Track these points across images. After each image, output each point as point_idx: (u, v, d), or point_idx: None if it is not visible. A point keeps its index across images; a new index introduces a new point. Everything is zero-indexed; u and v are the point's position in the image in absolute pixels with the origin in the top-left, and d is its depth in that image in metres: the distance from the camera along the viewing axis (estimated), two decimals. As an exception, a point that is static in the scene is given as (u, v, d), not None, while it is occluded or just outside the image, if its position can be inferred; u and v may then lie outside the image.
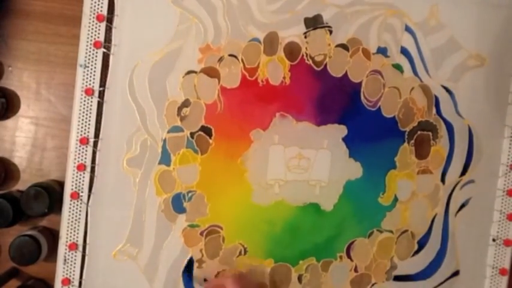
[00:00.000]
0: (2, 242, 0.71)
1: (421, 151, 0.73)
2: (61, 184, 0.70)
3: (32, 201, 0.66)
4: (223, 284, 0.67)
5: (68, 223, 0.69)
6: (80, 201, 0.69)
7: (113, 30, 0.69)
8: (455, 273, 0.74)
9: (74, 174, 0.69)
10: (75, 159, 0.69)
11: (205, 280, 0.70)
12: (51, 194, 0.66)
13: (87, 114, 0.69)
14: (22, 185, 0.71)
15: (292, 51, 0.71)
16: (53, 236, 0.71)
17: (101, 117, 0.69)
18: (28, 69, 0.72)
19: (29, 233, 0.67)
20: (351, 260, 0.73)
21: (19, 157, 0.72)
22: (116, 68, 0.69)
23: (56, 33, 0.72)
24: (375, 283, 0.74)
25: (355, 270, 0.73)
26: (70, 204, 0.69)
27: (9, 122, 0.72)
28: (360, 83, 0.72)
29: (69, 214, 0.69)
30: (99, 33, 0.69)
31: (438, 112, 0.73)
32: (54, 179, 0.72)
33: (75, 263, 0.69)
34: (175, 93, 0.70)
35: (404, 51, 0.72)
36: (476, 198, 0.74)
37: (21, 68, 0.72)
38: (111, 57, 0.69)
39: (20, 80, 0.72)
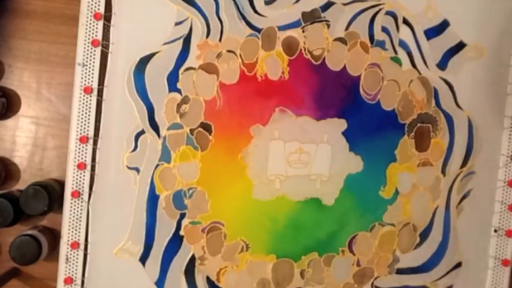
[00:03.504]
0: (2, 242, 0.68)
1: (421, 143, 0.69)
2: (60, 183, 0.67)
3: (31, 200, 0.62)
4: None
5: (69, 222, 0.66)
6: (80, 200, 0.65)
7: (111, 29, 0.65)
8: (458, 265, 0.71)
9: (74, 173, 0.65)
10: (75, 158, 0.65)
11: None
12: (50, 193, 0.63)
13: (86, 113, 0.65)
14: (22, 184, 0.67)
15: (290, 45, 0.67)
16: (53, 235, 0.67)
17: (100, 116, 0.66)
18: (29, 69, 0.68)
19: (30, 232, 0.64)
20: (353, 254, 0.69)
21: (19, 157, 0.68)
22: (114, 66, 0.66)
23: (57, 32, 0.68)
24: (378, 277, 0.70)
25: (358, 264, 0.69)
26: (71, 203, 0.66)
27: (9, 122, 0.68)
28: (358, 77, 0.68)
29: (70, 213, 0.66)
30: (96, 32, 0.65)
31: (437, 104, 0.69)
32: (53, 178, 0.68)
33: (77, 262, 0.66)
34: (174, 90, 0.66)
35: (402, 44, 0.68)
36: (477, 190, 0.70)
37: (21, 68, 0.68)
38: (109, 55, 0.65)
39: (21, 80, 0.68)
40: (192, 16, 0.66)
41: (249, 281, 0.68)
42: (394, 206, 0.69)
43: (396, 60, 0.68)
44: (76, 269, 0.66)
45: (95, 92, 0.65)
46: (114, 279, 0.66)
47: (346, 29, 0.67)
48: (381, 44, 0.68)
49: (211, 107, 0.66)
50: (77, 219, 0.66)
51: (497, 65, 0.69)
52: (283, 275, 0.68)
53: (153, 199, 0.66)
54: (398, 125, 0.68)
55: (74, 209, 0.65)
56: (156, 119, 0.66)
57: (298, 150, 0.68)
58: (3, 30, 0.67)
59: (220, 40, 0.66)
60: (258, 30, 0.67)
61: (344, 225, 0.69)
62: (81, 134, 0.65)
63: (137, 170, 0.66)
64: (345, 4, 0.67)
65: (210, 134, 0.67)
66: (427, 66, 0.68)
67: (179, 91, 0.66)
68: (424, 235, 0.70)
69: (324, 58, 0.67)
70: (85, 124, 0.65)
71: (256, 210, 0.68)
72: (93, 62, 0.65)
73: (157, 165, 0.66)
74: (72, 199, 0.65)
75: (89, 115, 0.65)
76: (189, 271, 0.67)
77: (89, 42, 0.65)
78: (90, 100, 0.65)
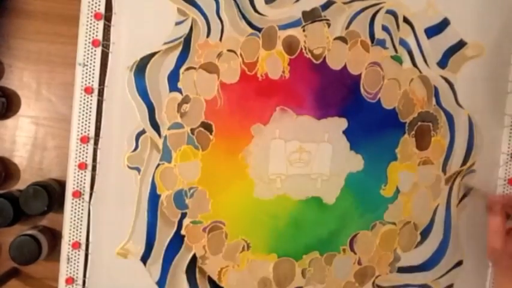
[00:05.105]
0: (2, 242, 0.66)
1: (422, 142, 0.68)
2: (60, 183, 0.65)
3: (31, 199, 0.61)
4: None
5: (71, 222, 0.64)
6: (81, 200, 0.64)
7: (111, 28, 0.64)
8: (459, 263, 0.69)
9: (75, 173, 0.64)
10: (76, 158, 0.64)
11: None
12: (50, 193, 0.61)
13: (87, 113, 0.64)
14: (22, 184, 0.66)
15: (290, 45, 0.65)
16: (53, 235, 0.66)
17: (101, 116, 0.64)
18: (28, 69, 0.67)
19: (29, 232, 0.62)
20: (354, 253, 0.68)
21: (19, 157, 0.67)
22: (115, 66, 0.64)
23: (57, 32, 0.67)
24: (379, 275, 0.68)
25: (359, 263, 0.68)
26: (72, 203, 0.64)
27: (9, 122, 0.67)
28: (359, 75, 0.66)
29: (72, 213, 0.64)
30: (97, 32, 0.64)
31: (438, 103, 0.68)
32: (53, 178, 0.66)
33: (78, 262, 0.65)
34: (174, 90, 0.64)
35: (402, 43, 0.66)
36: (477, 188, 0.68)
37: (21, 68, 0.67)
38: (109, 55, 0.64)
39: (21, 80, 0.67)
40: (193, 16, 0.64)
41: (251, 280, 0.66)
42: (394, 205, 0.67)
43: (397, 58, 0.67)
44: (77, 269, 0.64)
45: (96, 92, 0.64)
46: (116, 279, 0.65)
47: (347, 28, 0.66)
48: (382, 43, 0.66)
49: (212, 106, 0.65)
50: (78, 219, 0.64)
51: (497, 64, 0.67)
52: (284, 274, 0.67)
53: (154, 199, 0.65)
54: (399, 123, 0.67)
55: (75, 209, 0.64)
56: (157, 118, 0.64)
57: (298, 150, 0.66)
58: (3, 30, 0.66)
59: (220, 40, 0.65)
60: (259, 29, 0.65)
61: (345, 224, 0.67)
62: (82, 134, 0.64)
63: (138, 169, 0.64)
64: (345, 3, 0.65)
65: (210, 134, 0.65)
66: (427, 65, 0.67)
67: (180, 91, 0.64)
68: (425, 234, 0.68)
69: (325, 57, 0.66)
70: (86, 124, 0.64)
71: (257, 209, 0.66)
72: (94, 62, 0.64)
73: (158, 164, 0.65)
74: (73, 199, 0.64)
75: (90, 115, 0.64)
76: (191, 271, 0.66)
77: (89, 42, 0.63)
78: (91, 100, 0.64)
